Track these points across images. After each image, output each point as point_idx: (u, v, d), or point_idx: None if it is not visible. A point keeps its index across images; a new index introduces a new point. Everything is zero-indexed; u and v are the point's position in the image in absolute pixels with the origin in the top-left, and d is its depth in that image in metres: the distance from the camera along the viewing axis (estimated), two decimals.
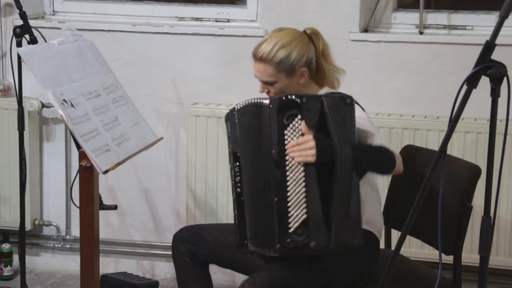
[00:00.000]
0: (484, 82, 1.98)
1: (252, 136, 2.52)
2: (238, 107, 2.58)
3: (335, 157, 2.34)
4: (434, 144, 3.45)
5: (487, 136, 2.03)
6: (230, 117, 2.63)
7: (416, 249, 3.54)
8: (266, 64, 2.64)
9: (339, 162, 2.34)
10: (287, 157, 2.39)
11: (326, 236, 2.37)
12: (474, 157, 3.39)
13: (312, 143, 2.34)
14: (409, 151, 2.96)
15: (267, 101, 2.46)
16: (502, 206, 3.45)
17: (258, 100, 2.51)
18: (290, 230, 2.38)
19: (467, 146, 3.48)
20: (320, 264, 2.52)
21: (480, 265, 2.05)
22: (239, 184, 2.59)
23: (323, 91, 2.69)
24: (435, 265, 3.02)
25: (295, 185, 2.38)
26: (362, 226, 2.56)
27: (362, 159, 2.43)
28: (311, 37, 2.70)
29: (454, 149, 3.43)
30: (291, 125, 2.39)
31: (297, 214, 2.38)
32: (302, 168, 2.37)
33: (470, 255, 3.31)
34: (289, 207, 2.38)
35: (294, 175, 2.38)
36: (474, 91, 1.96)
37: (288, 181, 2.39)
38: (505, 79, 1.96)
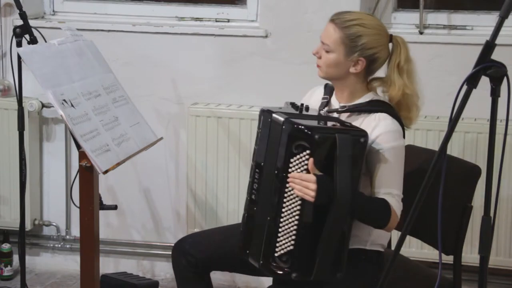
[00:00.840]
0: (484, 82, 1.98)
1: (266, 146, 2.49)
2: (268, 109, 2.52)
3: (333, 203, 2.32)
4: (434, 144, 3.45)
5: (487, 136, 2.02)
6: (260, 115, 2.56)
7: (416, 249, 3.54)
8: (337, 29, 2.52)
9: (336, 209, 2.33)
10: (287, 185, 2.38)
11: (308, 270, 2.38)
12: (474, 157, 3.39)
13: (314, 186, 2.31)
14: (409, 151, 2.96)
15: (281, 118, 2.41)
16: (502, 206, 3.45)
17: (274, 115, 2.46)
18: (276, 254, 2.39)
19: (467, 146, 3.48)
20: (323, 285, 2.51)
21: (480, 265, 2.05)
22: (254, 192, 2.53)
23: (368, 96, 2.59)
24: (435, 265, 3.02)
25: (289, 214, 2.38)
26: (367, 247, 2.57)
27: (357, 210, 2.39)
28: (394, 43, 2.58)
29: (454, 149, 3.43)
30: (298, 156, 2.36)
31: (285, 242, 2.39)
32: (299, 202, 2.37)
33: (470, 255, 3.31)
34: (279, 232, 2.39)
35: (290, 204, 2.38)
36: (474, 91, 1.96)
37: (283, 207, 2.39)
38: (505, 79, 1.96)
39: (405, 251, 3.05)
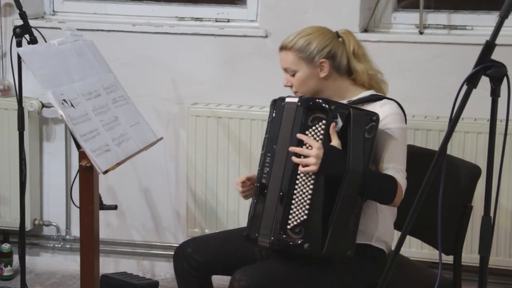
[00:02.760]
0: (484, 82, 1.98)
1: (279, 129, 2.54)
2: (281, 98, 2.59)
3: (346, 173, 2.39)
4: (434, 144, 3.45)
5: (487, 136, 2.03)
6: (272, 104, 2.63)
7: (416, 249, 3.54)
8: (288, 52, 2.65)
9: (348, 180, 2.40)
10: (302, 157, 2.42)
11: (321, 241, 2.42)
12: (474, 157, 3.39)
13: (315, 152, 2.38)
14: (409, 151, 2.96)
15: (296, 99, 2.50)
16: (502, 206, 3.45)
17: (288, 99, 2.54)
18: (288, 227, 2.42)
19: (467, 146, 3.48)
20: (324, 274, 2.52)
21: (480, 265, 2.05)
22: (265, 176, 2.56)
23: (368, 93, 2.67)
24: (435, 265, 3.02)
25: (303, 185, 2.43)
26: (373, 243, 2.60)
27: (367, 184, 2.45)
28: (340, 35, 2.70)
29: (454, 149, 3.43)
30: (314, 127, 2.44)
31: (298, 213, 2.42)
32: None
33: (470, 255, 3.31)
34: (292, 204, 2.42)
35: (305, 176, 2.43)
36: (474, 91, 1.96)
37: (298, 179, 2.43)
38: (505, 79, 1.96)
39: (405, 251, 3.05)
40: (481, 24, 3.66)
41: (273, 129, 2.57)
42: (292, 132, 2.47)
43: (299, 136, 2.43)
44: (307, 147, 2.42)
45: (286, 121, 2.51)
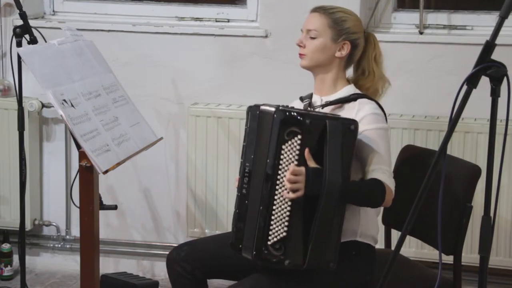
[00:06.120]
0: (484, 82, 1.98)
1: (255, 139, 2.51)
2: (255, 105, 2.55)
3: (323, 189, 2.35)
4: (434, 144, 3.45)
5: (487, 136, 2.03)
6: (248, 111, 2.59)
7: (416, 249, 3.55)
8: (322, 15, 2.63)
9: (326, 197, 2.36)
10: (279, 172, 2.39)
11: (301, 257, 2.40)
12: (474, 157, 3.40)
13: (302, 178, 2.34)
14: (409, 151, 2.96)
15: (271, 109, 2.44)
16: (502, 206, 3.45)
17: (263, 107, 2.49)
18: (269, 243, 2.40)
19: (467, 146, 3.48)
20: (312, 279, 2.51)
21: (480, 265, 2.05)
22: (245, 186, 2.53)
23: (347, 89, 2.65)
24: (435, 265, 3.02)
25: (281, 201, 2.39)
26: (358, 239, 2.58)
27: (349, 195, 2.43)
28: (368, 37, 2.70)
29: (454, 149, 3.43)
30: (290, 142, 2.38)
31: (278, 229, 2.40)
32: None
33: (470, 255, 3.31)
34: (272, 220, 2.40)
35: (283, 190, 2.39)
36: (474, 91, 1.96)
37: (276, 195, 2.40)
38: (505, 79, 1.96)
39: (405, 251, 3.05)
40: (481, 24, 3.66)
41: (250, 138, 2.53)
42: (269, 144, 2.40)
43: (290, 169, 2.36)
44: (286, 165, 2.39)
45: (262, 132, 2.46)
